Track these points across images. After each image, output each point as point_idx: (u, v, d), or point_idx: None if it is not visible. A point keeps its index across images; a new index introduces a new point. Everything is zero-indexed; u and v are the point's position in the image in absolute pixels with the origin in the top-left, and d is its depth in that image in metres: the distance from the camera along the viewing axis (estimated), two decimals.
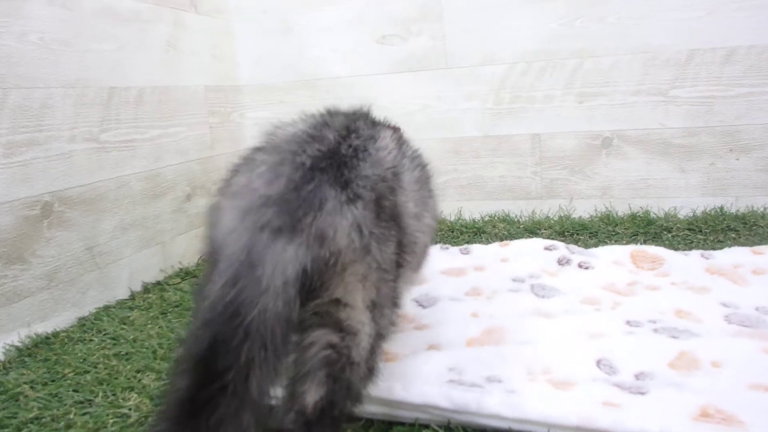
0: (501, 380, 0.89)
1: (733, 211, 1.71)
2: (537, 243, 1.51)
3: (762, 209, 1.70)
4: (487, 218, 1.87)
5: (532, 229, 1.77)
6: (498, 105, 1.84)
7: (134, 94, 1.49)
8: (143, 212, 1.52)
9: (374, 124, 0.89)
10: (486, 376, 0.91)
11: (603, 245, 1.60)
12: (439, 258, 1.54)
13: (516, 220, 1.84)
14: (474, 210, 1.90)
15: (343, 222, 0.68)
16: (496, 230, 1.78)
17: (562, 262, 1.42)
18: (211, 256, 0.67)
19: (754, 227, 1.63)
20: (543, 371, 0.92)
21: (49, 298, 1.25)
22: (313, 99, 1.97)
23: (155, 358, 1.12)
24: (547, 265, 1.41)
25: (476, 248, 1.57)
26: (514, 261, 1.46)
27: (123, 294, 1.45)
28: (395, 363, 0.95)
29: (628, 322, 1.07)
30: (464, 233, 1.80)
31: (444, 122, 1.89)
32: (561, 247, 1.47)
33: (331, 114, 0.88)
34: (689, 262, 1.38)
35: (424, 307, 1.23)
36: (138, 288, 1.50)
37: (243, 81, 2.01)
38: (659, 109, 1.74)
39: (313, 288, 0.66)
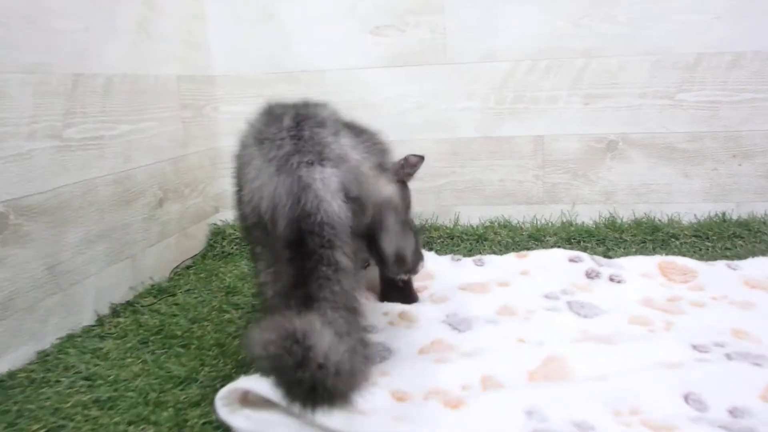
0: (593, 427, 0.76)
1: (735, 217, 1.68)
2: (558, 254, 1.40)
3: (763, 215, 1.67)
4: (487, 224, 1.74)
5: (537, 236, 1.66)
6: (500, 105, 1.72)
7: (102, 83, 1.26)
8: (111, 221, 1.28)
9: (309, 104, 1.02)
10: (573, 420, 0.77)
11: (612, 252, 1.55)
12: (453, 271, 1.40)
13: (518, 226, 1.72)
14: (472, 215, 1.77)
15: (345, 143, 0.89)
16: (499, 237, 1.66)
17: (591, 275, 1.32)
18: (272, 213, 0.82)
19: (758, 234, 1.59)
20: (632, 411, 0.80)
21: (3, 330, 1.01)
22: (295, 93, 1.75)
23: (147, 404, 0.91)
24: (576, 279, 1.30)
25: (491, 260, 1.44)
26: (536, 274, 1.34)
27: (89, 319, 1.21)
28: (458, 410, 0.79)
29: (694, 347, 0.96)
30: (464, 240, 1.67)
31: (441, 122, 1.75)
32: (587, 259, 1.37)
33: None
34: (720, 273, 1.31)
35: (460, 330, 1.08)
36: (105, 311, 1.26)
37: (217, 71, 1.78)
38: (665, 112, 1.67)
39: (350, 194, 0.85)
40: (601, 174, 1.72)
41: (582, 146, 1.71)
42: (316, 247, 0.79)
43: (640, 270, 1.34)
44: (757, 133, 1.65)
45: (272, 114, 0.95)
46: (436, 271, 1.40)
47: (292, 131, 0.87)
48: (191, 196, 1.62)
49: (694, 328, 1.06)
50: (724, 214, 1.68)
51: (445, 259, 1.47)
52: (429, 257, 1.46)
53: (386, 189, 0.93)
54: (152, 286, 1.41)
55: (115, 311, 1.27)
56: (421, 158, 1.33)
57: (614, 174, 1.72)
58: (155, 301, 1.33)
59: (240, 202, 0.91)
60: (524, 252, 1.45)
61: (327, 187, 0.82)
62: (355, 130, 0.97)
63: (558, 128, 1.71)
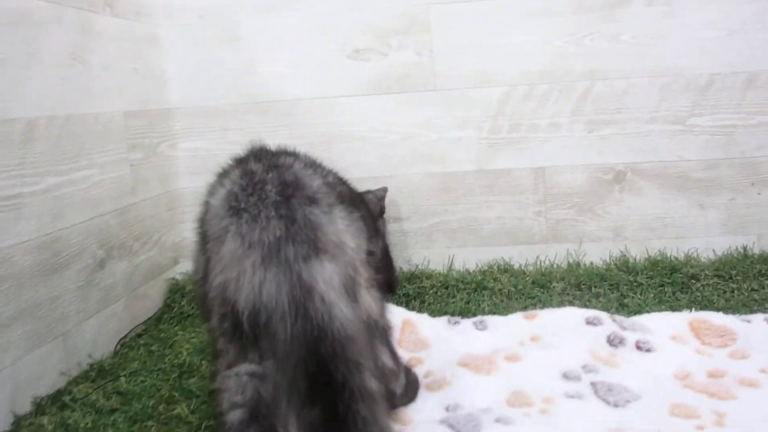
0: None
1: (756, 251, 1.46)
2: (572, 314, 1.18)
3: None
4: (485, 268, 1.50)
5: (542, 282, 1.42)
6: (495, 134, 1.47)
7: (20, 130, 0.98)
8: (34, 297, 1.00)
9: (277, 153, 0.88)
10: None
11: (628, 299, 1.33)
12: (451, 338, 1.15)
13: (520, 270, 1.48)
14: (468, 258, 1.52)
15: (339, 224, 0.74)
16: (500, 285, 1.41)
17: (615, 342, 1.09)
18: (255, 314, 0.67)
19: None
20: None
21: None
22: (266, 126, 1.51)
23: None
24: (597, 347, 1.07)
25: (494, 322, 1.20)
26: (550, 341, 1.10)
27: (3, 422, 0.94)
28: None
29: None
30: (461, 290, 1.42)
31: (432, 154, 1.50)
32: (605, 320, 1.14)
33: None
34: (762, 333, 1.09)
35: None
36: (26, 408, 0.98)
37: (174, 103, 1.51)
38: (676, 139, 1.45)
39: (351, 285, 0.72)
40: (609, 208, 1.49)
41: (587, 178, 1.48)
42: (344, 378, 0.65)
43: (669, 332, 1.12)
44: None
45: (250, 175, 0.76)
46: (431, 338, 1.15)
47: (281, 208, 0.71)
48: (142, 251, 1.35)
49: (750, 420, 0.84)
50: (745, 248, 1.46)
51: (441, 323, 1.22)
52: (422, 320, 1.21)
53: (371, 305, 0.76)
54: (91, 366, 1.14)
55: (40, 407, 0.99)
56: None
57: (623, 208, 1.49)
58: (92, 389, 1.05)
59: (204, 278, 0.75)
60: (533, 312, 1.21)
61: (332, 288, 0.68)
62: (341, 194, 0.80)
63: (560, 159, 1.48)
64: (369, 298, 0.76)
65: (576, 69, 1.43)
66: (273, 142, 1.46)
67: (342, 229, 0.73)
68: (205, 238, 0.77)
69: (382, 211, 1.39)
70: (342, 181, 0.95)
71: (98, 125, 1.19)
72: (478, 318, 1.22)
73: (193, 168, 1.53)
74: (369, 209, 1.25)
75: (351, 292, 0.71)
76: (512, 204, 1.50)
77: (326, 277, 0.68)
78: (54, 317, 1.05)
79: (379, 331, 0.81)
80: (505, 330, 1.16)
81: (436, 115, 1.48)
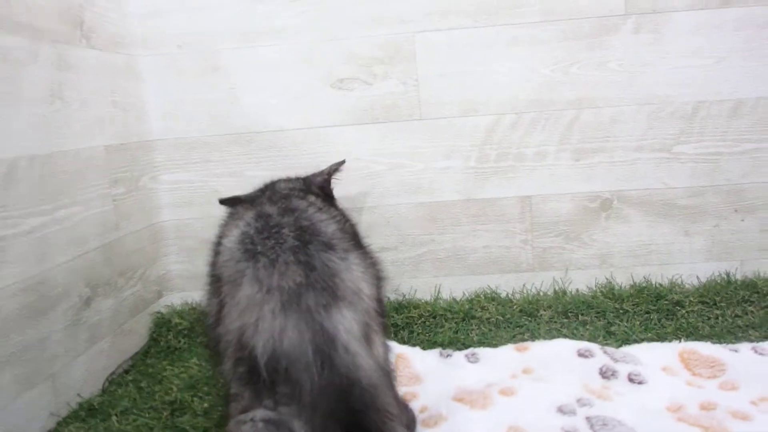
0: None
1: (739, 277, 1.55)
2: (564, 346, 1.24)
3: None
4: (472, 297, 1.56)
5: (529, 310, 1.49)
6: (482, 163, 1.55)
7: (1, 171, 1.02)
8: (21, 340, 1.04)
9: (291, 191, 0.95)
10: None
11: (615, 327, 1.40)
12: (444, 372, 1.21)
13: (507, 298, 1.55)
14: (455, 287, 1.59)
15: (356, 271, 0.77)
16: (487, 314, 1.48)
17: (607, 374, 1.15)
18: (274, 361, 0.69)
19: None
20: None
21: None
22: (248, 157, 1.56)
23: None
24: (590, 380, 1.14)
25: (486, 354, 1.26)
26: (543, 374, 1.17)
27: None
28: None
29: None
30: (449, 320, 1.48)
31: (418, 184, 1.57)
32: (597, 351, 1.21)
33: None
34: (750, 364, 1.17)
35: None
36: None
37: (154, 135, 1.55)
38: (662, 166, 1.54)
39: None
40: (596, 236, 1.57)
41: (574, 206, 1.56)
42: (377, 428, 0.69)
43: (659, 363, 1.19)
44: (761, 185, 1.53)
45: (266, 218, 0.80)
46: (424, 371, 1.21)
47: (299, 253, 0.74)
48: (127, 286, 1.39)
49: None
50: (728, 274, 1.55)
51: (433, 356, 1.27)
52: (415, 354, 1.27)
53: (379, 351, 0.78)
54: (80, 405, 1.17)
55: None
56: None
57: (610, 235, 1.57)
58: (83, 429, 1.08)
59: (217, 321, 0.77)
60: (524, 344, 1.28)
61: (353, 337, 0.71)
62: (354, 238, 0.85)
63: (547, 187, 1.55)
64: (379, 344, 0.79)
65: (563, 97, 1.51)
66: (256, 174, 1.54)
67: (359, 276, 0.76)
68: (218, 281, 0.78)
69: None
70: (345, 217, 0.99)
71: (79, 162, 1.23)
72: (470, 350, 1.28)
73: (176, 200, 1.58)
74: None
75: (367, 339, 0.74)
76: (499, 233, 1.58)
77: (347, 326, 0.71)
78: (42, 359, 1.09)
79: (387, 376, 0.85)
80: (497, 363, 1.22)
81: (422, 144, 1.54)
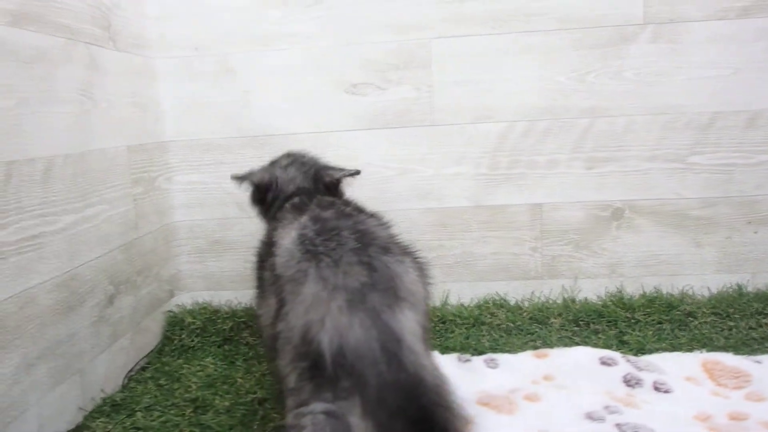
0: None
1: (751, 289, 1.74)
2: (585, 353, 1.40)
3: None
4: (481, 303, 1.77)
5: (539, 318, 1.69)
6: (493, 170, 1.75)
7: (41, 168, 1.23)
8: (55, 335, 1.25)
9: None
10: None
11: (627, 336, 1.57)
12: (464, 377, 1.36)
13: (517, 305, 1.75)
14: (463, 293, 1.80)
15: (412, 274, 0.89)
16: (497, 321, 1.68)
17: (632, 382, 1.31)
18: (340, 356, 0.79)
19: None
20: None
21: None
22: (261, 160, 1.75)
23: None
24: (615, 388, 1.29)
25: (505, 360, 1.43)
26: (565, 381, 1.32)
27: None
28: None
29: None
30: (459, 325, 1.68)
31: (428, 190, 1.77)
32: (619, 360, 1.37)
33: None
34: None
35: None
36: None
37: (169, 135, 1.77)
38: (676, 176, 1.73)
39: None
40: (606, 245, 1.77)
41: (585, 215, 1.76)
42: (446, 423, 0.79)
43: (683, 372, 1.33)
44: None
45: (323, 221, 0.95)
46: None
47: (361, 255, 0.86)
48: (144, 285, 1.60)
49: None
50: (740, 286, 1.74)
51: (451, 360, 1.45)
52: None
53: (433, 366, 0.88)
54: (104, 401, 1.39)
55: None
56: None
57: (620, 245, 1.77)
58: (111, 424, 1.29)
59: (276, 318, 0.89)
60: (543, 350, 1.45)
61: (416, 338, 0.81)
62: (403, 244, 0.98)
63: (558, 195, 1.75)
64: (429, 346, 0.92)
65: (577, 105, 1.70)
66: None
67: (415, 278, 0.88)
68: (277, 280, 0.90)
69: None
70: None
71: (106, 161, 1.45)
72: (488, 356, 1.45)
73: (189, 201, 1.79)
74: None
75: (424, 340, 0.84)
76: (508, 240, 1.78)
77: (410, 326, 0.81)
78: (72, 354, 1.30)
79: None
80: (516, 369, 1.38)
81: (434, 150, 1.75)
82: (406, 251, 0.95)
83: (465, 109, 1.73)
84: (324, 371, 0.79)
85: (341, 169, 1.36)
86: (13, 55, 1.18)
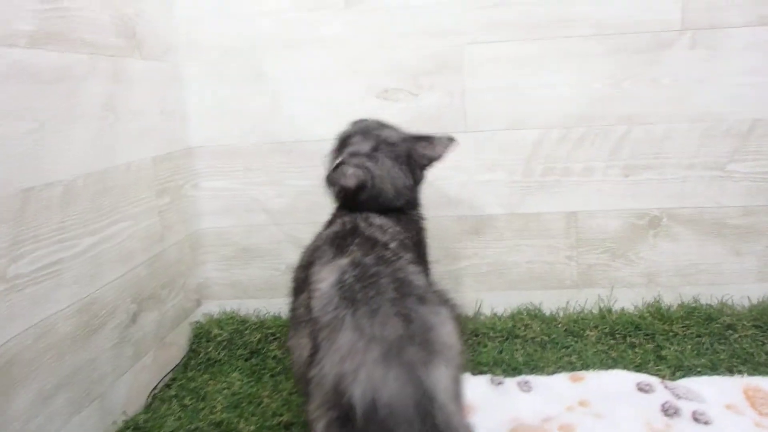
0: None
1: None
2: (621, 378, 1.23)
3: None
4: (515, 313, 1.56)
5: (575, 330, 1.48)
6: (527, 177, 1.53)
7: (60, 192, 1.03)
8: (74, 363, 1.06)
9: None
10: None
11: (665, 351, 1.38)
12: (497, 401, 1.20)
13: (551, 316, 1.54)
14: (496, 302, 1.59)
15: (448, 326, 0.78)
16: (532, 333, 1.48)
17: (670, 412, 1.13)
18: (372, 411, 0.70)
19: None
20: None
21: None
22: (290, 167, 1.56)
23: None
24: (652, 418, 1.11)
25: (539, 383, 1.25)
26: (601, 408, 1.15)
27: None
28: None
29: None
30: (491, 338, 1.48)
31: (461, 197, 1.56)
32: (658, 387, 1.20)
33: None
34: None
35: None
36: None
37: (196, 142, 1.56)
38: (715, 184, 1.51)
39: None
40: (643, 254, 1.56)
41: (621, 223, 1.54)
42: None
43: (723, 400, 1.17)
44: None
45: (363, 267, 0.82)
46: (477, 401, 1.20)
47: (399, 306, 0.76)
48: (169, 297, 1.41)
49: None
50: None
51: (484, 382, 1.27)
52: (465, 381, 1.27)
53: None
54: (126, 423, 1.20)
55: None
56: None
57: (658, 254, 1.55)
58: None
59: (310, 361, 0.78)
60: (579, 373, 1.27)
61: (449, 397, 0.72)
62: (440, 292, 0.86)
63: (594, 203, 1.54)
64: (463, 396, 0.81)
65: (614, 112, 1.49)
66: (298, 184, 1.54)
67: (450, 331, 0.78)
68: (314, 324, 0.79)
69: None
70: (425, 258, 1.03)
71: (130, 175, 1.24)
72: (522, 378, 1.27)
73: (216, 208, 1.59)
74: None
75: (458, 396, 0.75)
76: (543, 248, 1.57)
77: (444, 384, 0.72)
78: (92, 380, 1.11)
79: None
80: (551, 393, 1.21)
81: (467, 157, 1.53)
82: (442, 300, 0.83)
83: (498, 116, 1.51)
84: (353, 424, 0.70)
85: (430, 139, 1.14)
86: (33, 78, 0.98)
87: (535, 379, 1.26)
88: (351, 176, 1.03)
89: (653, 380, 1.21)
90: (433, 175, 1.52)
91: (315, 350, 0.77)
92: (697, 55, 1.45)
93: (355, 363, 0.71)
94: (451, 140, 1.14)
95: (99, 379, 1.13)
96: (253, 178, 1.57)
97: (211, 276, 1.62)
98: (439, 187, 1.55)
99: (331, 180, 1.05)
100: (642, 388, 1.18)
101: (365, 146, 1.09)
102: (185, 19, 1.50)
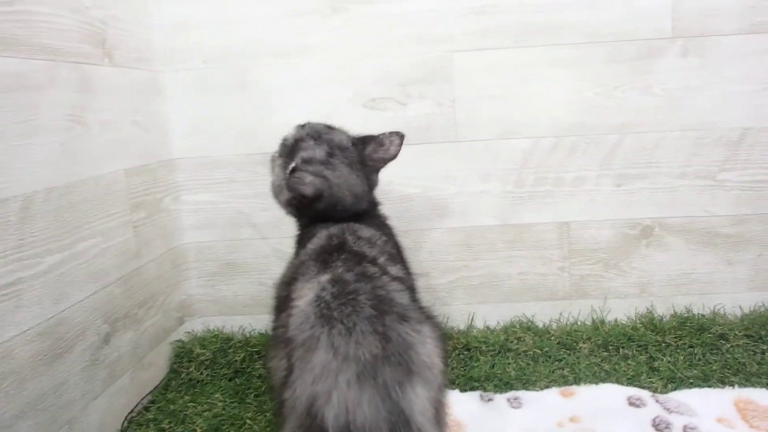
0: None
1: None
2: (613, 392, 1.15)
3: None
4: (508, 326, 1.45)
5: (568, 343, 1.38)
6: (519, 188, 1.43)
7: (16, 209, 0.90)
8: (37, 388, 0.93)
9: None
10: None
11: (657, 362, 1.30)
12: (486, 418, 1.10)
13: (544, 329, 1.44)
14: (489, 315, 1.48)
15: (429, 345, 0.70)
16: (524, 346, 1.37)
17: (660, 426, 1.05)
18: None
19: None
20: None
21: None
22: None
23: None
24: None
25: (529, 399, 1.16)
26: (591, 424, 1.06)
27: None
28: None
29: None
30: (484, 353, 1.37)
31: (452, 208, 1.45)
32: (648, 400, 1.11)
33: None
34: None
35: None
36: None
37: (177, 153, 1.44)
38: (706, 194, 1.43)
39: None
40: (636, 264, 1.46)
41: (614, 233, 1.45)
42: None
43: (714, 413, 1.09)
44: None
45: (342, 284, 0.74)
46: (466, 418, 1.10)
47: (376, 324, 0.68)
48: (147, 317, 1.27)
49: None
50: None
51: (473, 399, 1.17)
52: (455, 399, 1.16)
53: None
54: None
55: None
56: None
57: (650, 263, 1.46)
58: None
59: (284, 385, 0.71)
60: (569, 388, 1.17)
61: (427, 420, 0.66)
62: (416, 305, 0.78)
63: (586, 213, 1.44)
64: (445, 417, 0.74)
65: (606, 121, 1.40)
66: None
67: (431, 349, 0.71)
68: (289, 343, 0.72)
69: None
70: (407, 269, 0.93)
71: (99, 189, 1.12)
72: (512, 393, 1.18)
73: (198, 222, 1.46)
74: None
75: (438, 418, 0.69)
76: (535, 259, 1.46)
77: (421, 406, 0.66)
78: (59, 406, 0.97)
79: None
80: (541, 408, 1.12)
81: (457, 167, 1.43)
82: (425, 318, 0.75)
83: (489, 125, 1.41)
84: None
85: (380, 140, 1.07)
86: None
87: (525, 395, 1.17)
88: (309, 184, 0.95)
89: (644, 394, 1.13)
90: (422, 186, 1.44)
91: (289, 371, 0.69)
92: (689, 63, 1.37)
93: (328, 384, 0.65)
94: (401, 136, 1.08)
95: (67, 404, 1.00)
96: (238, 190, 1.45)
97: (194, 293, 1.49)
98: (430, 198, 1.45)
99: (290, 186, 0.96)
100: (633, 403, 1.11)
101: (319, 152, 1.00)
102: (164, 26, 1.39)
